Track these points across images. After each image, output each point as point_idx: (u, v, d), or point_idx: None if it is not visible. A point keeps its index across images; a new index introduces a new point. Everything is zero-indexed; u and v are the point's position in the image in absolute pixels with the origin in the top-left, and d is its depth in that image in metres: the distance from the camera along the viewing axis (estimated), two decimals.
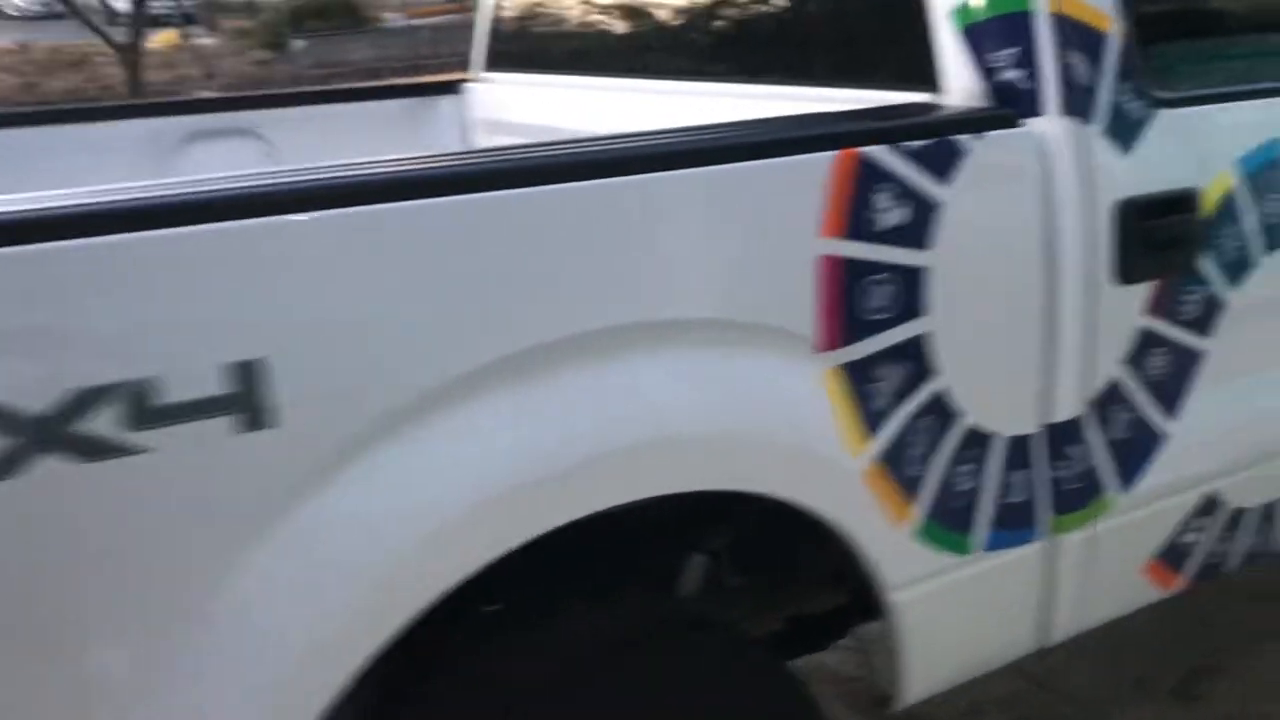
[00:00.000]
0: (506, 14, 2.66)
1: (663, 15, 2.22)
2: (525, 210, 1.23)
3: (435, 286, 1.18)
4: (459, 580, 1.22)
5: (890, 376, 1.45)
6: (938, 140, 1.45)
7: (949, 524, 1.55)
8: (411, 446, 1.18)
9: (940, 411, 1.50)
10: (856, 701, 2.22)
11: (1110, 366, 1.66)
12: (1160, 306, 1.68)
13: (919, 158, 1.43)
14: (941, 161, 1.45)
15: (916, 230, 1.44)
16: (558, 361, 1.25)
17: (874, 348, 1.43)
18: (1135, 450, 1.72)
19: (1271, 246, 1.78)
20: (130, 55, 14.17)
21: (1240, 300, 1.76)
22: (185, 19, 22.90)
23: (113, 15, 17.39)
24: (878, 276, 1.41)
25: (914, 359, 1.46)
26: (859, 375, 1.42)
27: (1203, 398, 1.77)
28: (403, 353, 1.17)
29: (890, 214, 1.41)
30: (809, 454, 1.41)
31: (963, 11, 1.58)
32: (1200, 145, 1.71)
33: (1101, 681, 2.43)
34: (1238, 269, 1.75)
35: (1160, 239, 1.66)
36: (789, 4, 1.93)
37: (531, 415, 1.25)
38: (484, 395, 1.22)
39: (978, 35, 1.57)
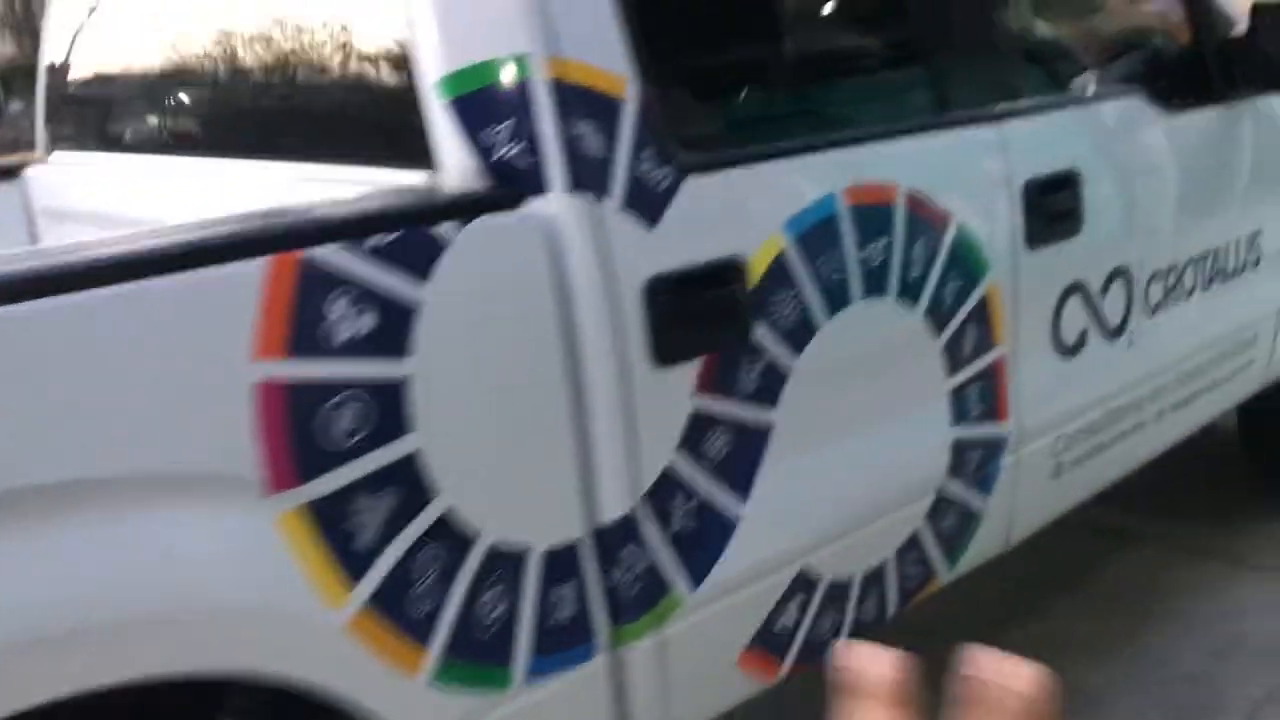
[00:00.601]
0: (67, 89, 2.37)
1: (205, 92, 1.99)
2: None
3: None
4: None
5: (373, 508, 1.25)
6: (405, 233, 1.27)
7: (480, 659, 1.37)
8: None
9: (446, 536, 1.32)
10: None
11: (662, 455, 1.52)
12: (713, 384, 1.56)
13: (383, 255, 1.25)
14: (414, 256, 1.27)
15: (389, 338, 1.25)
16: None
17: (345, 479, 1.23)
18: (703, 540, 1.59)
19: (833, 308, 1.69)
20: None
21: (806, 367, 1.66)
22: None
23: None
24: (339, 398, 1.22)
25: (403, 483, 1.28)
26: (329, 514, 1.22)
27: (777, 472, 1.66)
28: None
29: (348, 324, 1.22)
30: (267, 618, 1.19)
31: (450, 82, 1.42)
32: (742, 210, 1.60)
33: None
34: (798, 335, 1.65)
35: (700, 314, 1.54)
36: (310, 79, 1.73)
37: None
38: None
39: (468, 108, 1.41)
